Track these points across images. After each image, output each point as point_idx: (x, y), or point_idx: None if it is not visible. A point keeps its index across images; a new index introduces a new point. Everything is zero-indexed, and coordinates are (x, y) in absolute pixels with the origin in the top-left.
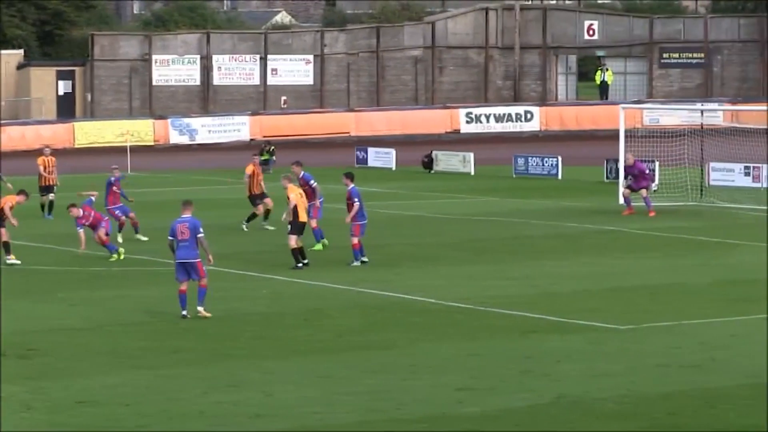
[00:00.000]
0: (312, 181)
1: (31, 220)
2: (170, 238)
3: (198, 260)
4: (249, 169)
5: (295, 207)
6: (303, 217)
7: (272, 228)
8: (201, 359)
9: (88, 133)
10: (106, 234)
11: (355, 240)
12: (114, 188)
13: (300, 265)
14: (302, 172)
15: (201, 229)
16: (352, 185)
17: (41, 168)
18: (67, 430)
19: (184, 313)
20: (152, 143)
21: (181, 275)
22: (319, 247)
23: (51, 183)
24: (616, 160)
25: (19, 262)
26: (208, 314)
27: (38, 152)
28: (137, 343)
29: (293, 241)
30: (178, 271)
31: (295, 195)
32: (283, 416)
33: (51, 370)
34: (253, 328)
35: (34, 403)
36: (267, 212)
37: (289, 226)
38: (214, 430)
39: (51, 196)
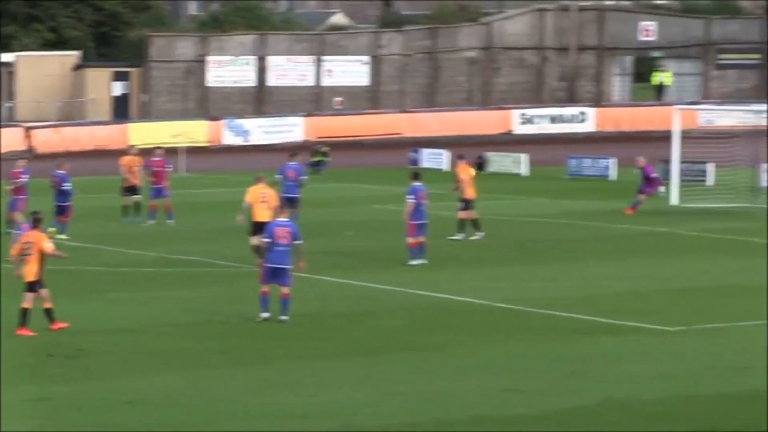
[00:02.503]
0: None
1: (99, 220)
2: (266, 240)
3: (290, 267)
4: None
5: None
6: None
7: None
8: (250, 360)
9: (143, 134)
10: None
11: (410, 239)
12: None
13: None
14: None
15: (299, 236)
16: (413, 183)
17: (125, 169)
18: (115, 430)
19: (265, 315)
20: (206, 144)
21: (268, 279)
22: None
23: (135, 184)
24: (668, 161)
25: None
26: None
27: (122, 153)
28: (186, 344)
29: None
30: (266, 275)
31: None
32: (329, 417)
33: (98, 370)
34: (302, 329)
35: (82, 403)
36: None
37: None
38: (261, 430)
39: (136, 197)
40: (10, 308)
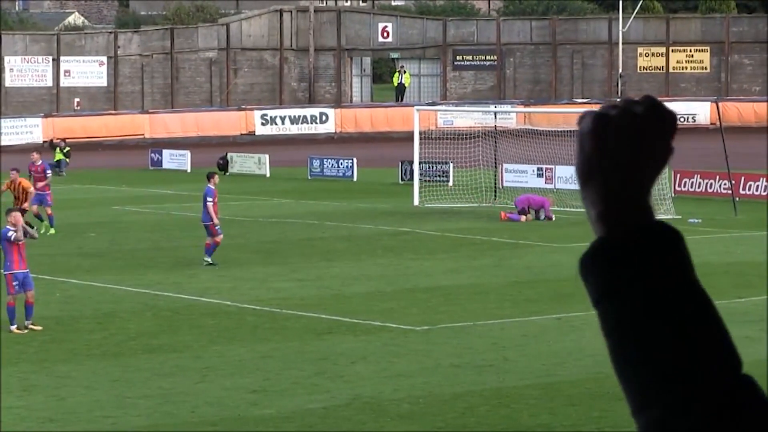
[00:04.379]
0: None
1: None
2: None
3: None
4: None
5: None
6: None
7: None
8: None
9: None
10: None
11: (209, 240)
12: None
13: None
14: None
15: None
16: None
17: None
18: None
19: (14, 327)
20: None
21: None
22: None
23: None
24: (411, 162)
25: None
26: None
27: None
28: None
29: None
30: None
31: None
32: (75, 421)
33: None
34: (45, 331)
35: None
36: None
37: None
38: None
39: None
40: None
